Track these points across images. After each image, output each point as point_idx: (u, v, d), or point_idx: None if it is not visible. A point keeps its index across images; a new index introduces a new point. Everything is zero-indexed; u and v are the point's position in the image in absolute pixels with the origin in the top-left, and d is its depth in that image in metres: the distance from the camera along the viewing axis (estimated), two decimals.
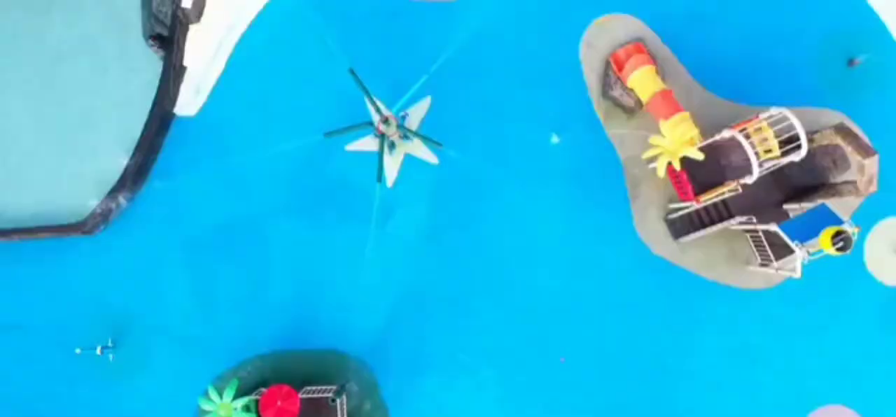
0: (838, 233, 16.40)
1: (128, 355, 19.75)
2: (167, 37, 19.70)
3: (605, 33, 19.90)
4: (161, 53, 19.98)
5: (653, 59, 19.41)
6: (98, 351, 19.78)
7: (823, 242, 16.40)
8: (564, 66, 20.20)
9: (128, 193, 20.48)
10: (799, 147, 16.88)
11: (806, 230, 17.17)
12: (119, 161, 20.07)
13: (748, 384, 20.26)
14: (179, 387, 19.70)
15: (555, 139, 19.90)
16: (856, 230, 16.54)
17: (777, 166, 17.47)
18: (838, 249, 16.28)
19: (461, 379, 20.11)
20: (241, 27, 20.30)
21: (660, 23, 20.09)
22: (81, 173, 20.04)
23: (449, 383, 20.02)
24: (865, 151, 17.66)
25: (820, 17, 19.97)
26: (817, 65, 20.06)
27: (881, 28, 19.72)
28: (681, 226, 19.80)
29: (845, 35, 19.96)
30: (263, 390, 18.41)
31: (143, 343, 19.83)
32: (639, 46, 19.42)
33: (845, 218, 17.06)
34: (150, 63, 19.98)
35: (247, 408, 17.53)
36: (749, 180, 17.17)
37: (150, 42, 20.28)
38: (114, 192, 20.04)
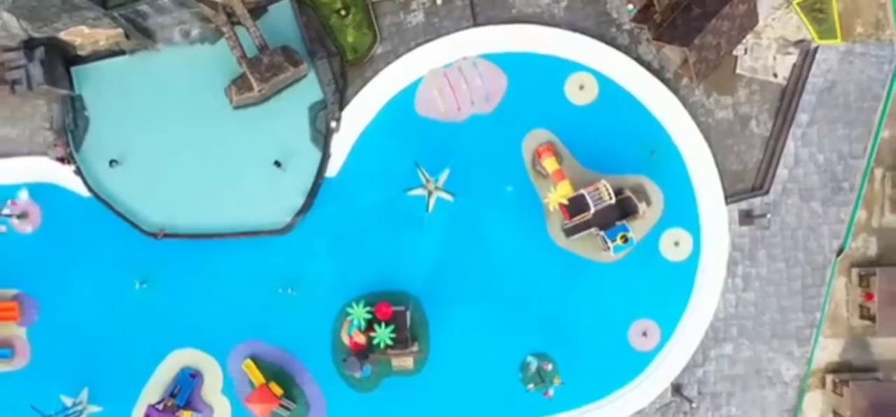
0: (624, 235, 35.06)
1: (302, 293, 36.85)
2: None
3: (534, 139, 35.80)
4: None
5: (555, 152, 35.13)
6: (289, 292, 36.87)
7: (619, 240, 34.85)
8: (514, 154, 35.93)
9: (302, 216, 36.45)
10: (612, 198, 34.97)
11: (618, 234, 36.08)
12: (299, 200, 36.57)
13: (602, 310, 36.09)
14: (326, 309, 36.95)
15: (509, 189, 36.28)
16: (632, 235, 34.50)
17: (605, 205, 34.49)
18: (624, 241, 34.61)
19: (463, 307, 36.46)
20: (358, 133, 36.40)
21: (561, 133, 35.83)
22: (280, 206, 36.70)
23: (459, 308, 36.45)
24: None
25: (638, 131, 35.62)
26: (636, 152, 35.59)
27: (666, 136, 36.14)
28: (571, 230, 34.92)
29: (650, 138, 35.63)
30: (369, 307, 36.20)
31: (310, 288, 36.83)
32: (549, 147, 35.11)
33: (631, 228, 34.88)
34: (314, 152, 36.39)
35: (368, 313, 36.01)
36: (591, 212, 34.56)
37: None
38: (296, 215, 36.52)
